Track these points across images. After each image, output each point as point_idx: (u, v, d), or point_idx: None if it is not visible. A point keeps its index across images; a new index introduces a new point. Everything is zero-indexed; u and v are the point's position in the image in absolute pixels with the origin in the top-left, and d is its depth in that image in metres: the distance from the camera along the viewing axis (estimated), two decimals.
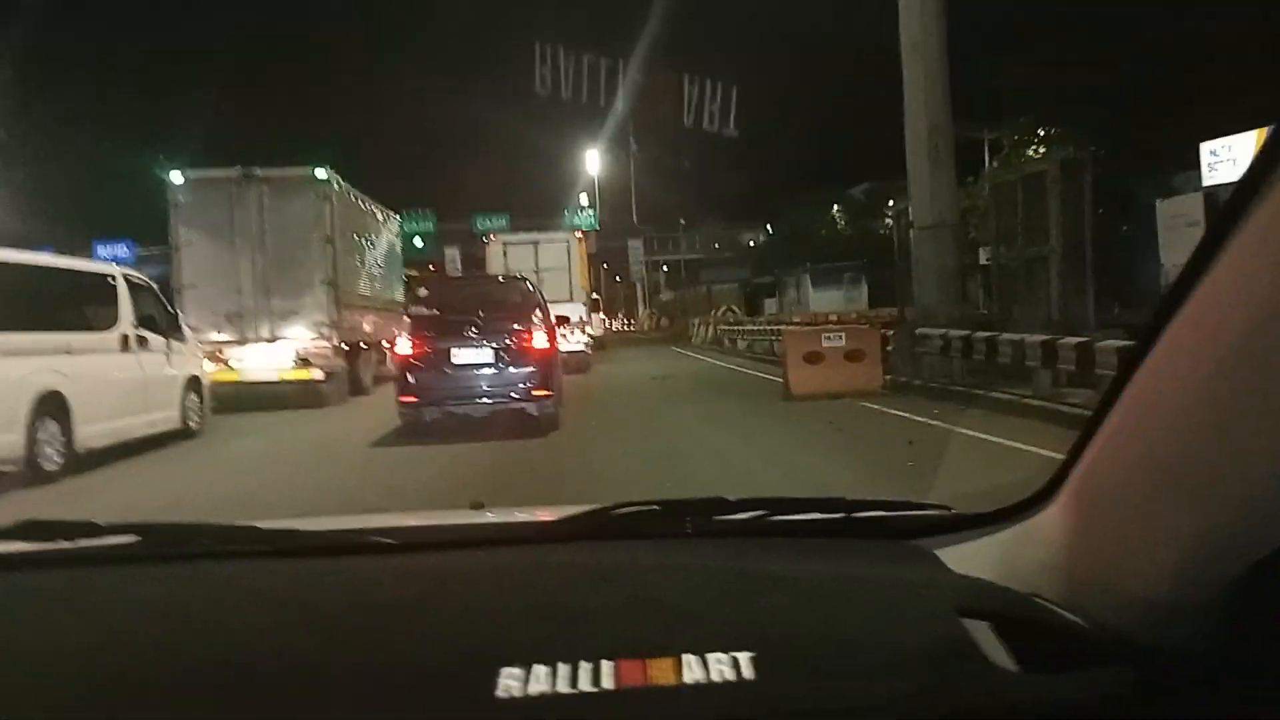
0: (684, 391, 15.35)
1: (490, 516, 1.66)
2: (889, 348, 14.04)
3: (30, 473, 7.85)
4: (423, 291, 11.78)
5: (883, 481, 6.77)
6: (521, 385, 9.65)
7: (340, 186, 15.21)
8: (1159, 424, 0.83)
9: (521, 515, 1.65)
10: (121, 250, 44.84)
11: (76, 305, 9.26)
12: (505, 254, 21.26)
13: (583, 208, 47.45)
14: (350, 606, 1.09)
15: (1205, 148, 21.70)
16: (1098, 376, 9.28)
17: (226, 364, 13.64)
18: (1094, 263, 11.41)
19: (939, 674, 0.91)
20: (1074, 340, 9.65)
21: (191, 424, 10.79)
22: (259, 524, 1.37)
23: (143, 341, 9.83)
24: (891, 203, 40.76)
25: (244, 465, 9.19)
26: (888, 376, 13.23)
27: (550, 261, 21.13)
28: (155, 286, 10.72)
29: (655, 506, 1.35)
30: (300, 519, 1.61)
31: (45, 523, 1.25)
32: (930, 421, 9.92)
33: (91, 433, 8.67)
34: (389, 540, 1.30)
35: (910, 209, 14.85)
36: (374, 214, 17.97)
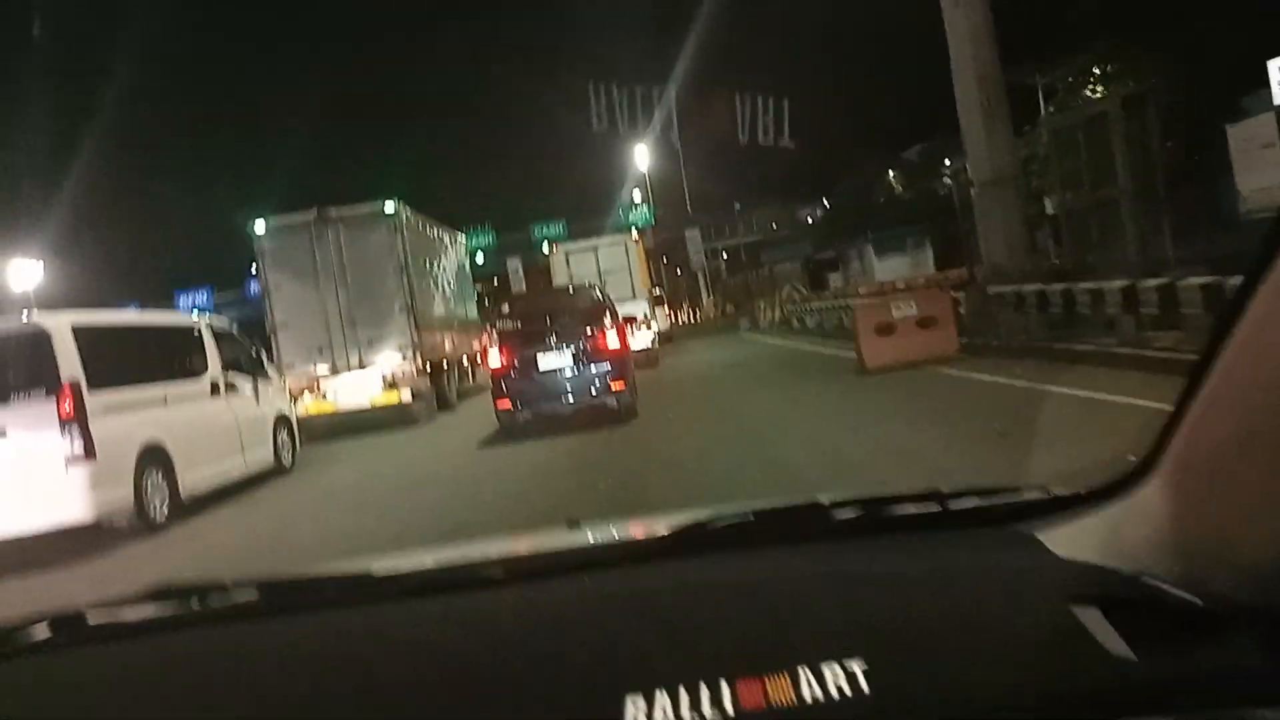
0: (757, 375, 15.32)
1: (588, 536, 1.68)
2: (961, 310, 13.79)
3: (142, 524, 8.12)
4: (505, 308, 13.01)
5: (972, 448, 6.66)
6: (600, 382, 10.81)
7: (408, 216, 16.04)
8: (1259, 384, 0.81)
9: (618, 532, 1.67)
10: (201, 298, 46.45)
11: (168, 357, 9.56)
12: (568, 261, 22.18)
13: (636, 204, 47.53)
14: (471, 645, 1.11)
15: (1273, 65, 20.77)
16: (1182, 316, 9.00)
17: (323, 395, 14.59)
18: (1167, 199, 11.06)
19: (1054, 665, 0.90)
20: (1155, 282, 9.36)
21: (284, 460, 11.20)
22: (372, 568, 1.41)
23: (231, 386, 10.24)
24: (948, 161, 39.95)
25: (341, 496, 9.53)
26: (963, 339, 12.98)
27: (611, 264, 22.14)
28: (236, 331, 11.16)
29: (750, 516, 1.36)
30: (407, 554, 1.66)
31: (174, 586, 1.29)
32: (1013, 381, 9.72)
33: (193, 479, 8.97)
34: (496, 573, 1.33)
35: (968, 166, 14.55)
36: (441, 237, 18.91)
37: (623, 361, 11.04)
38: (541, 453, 9.67)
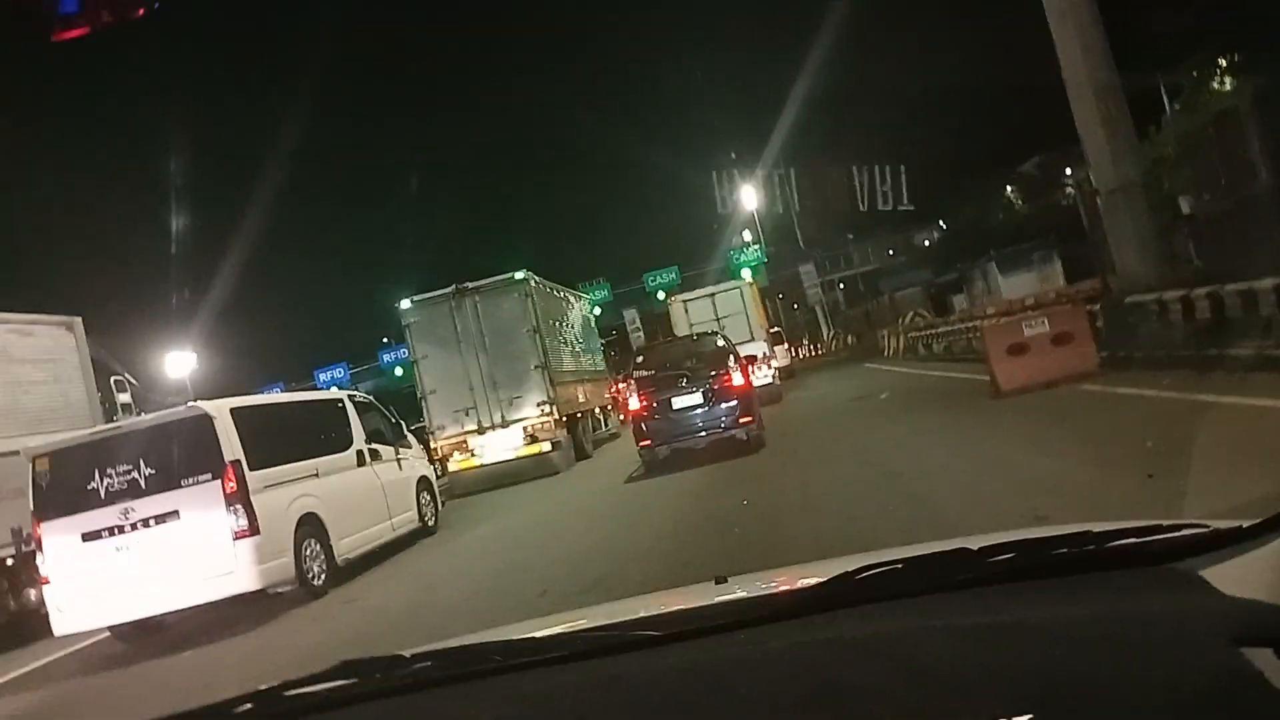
0: (885, 407, 15.01)
1: (736, 591, 1.69)
2: (1098, 324, 13.20)
3: (304, 591, 8.68)
4: (639, 359, 14.06)
5: (1123, 472, 6.34)
6: (729, 417, 12.01)
7: (536, 282, 17.43)
8: None
9: (765, 586, 1.67)
10: (339, 372, 48.83)
11: (316, 432, 10.15)
12: (686, 310, 23.16)
13: (747, 244, 47.51)
14: (645, 704, 1.13)
15: None
16: None
17: (470, 453, 16.11)
18: None
19: (1228, 711, 0.87)
20: None
21: (428, 521, 11.80)
22: (536, 633, 1.48)
23: (375, 454, 10.82)
24: (1069, 170, 38.44)
25: (483, 552, 9.96)
26: (1103, 354, 12.42)
27: (727, 309, 23.03)
28: (376, 402, 11.87)
29: (899, 565, 1.36)
30: (563, 615, 1.70)
31: (358, 661, 1.37)
32: (1162, 394, 9.21)
33: (348, 545, 9.54)
34: (653, 632, 1.34)
35: (1091, 175, 14.02)
36: (567, 298, 20.72)
37: (748, 397, 12.22)
38: (678, 494, 10.06)
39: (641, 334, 45.90)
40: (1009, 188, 50.04)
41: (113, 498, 8.20)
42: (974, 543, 1.37)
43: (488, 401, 16.28)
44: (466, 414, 16.26)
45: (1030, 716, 0.89)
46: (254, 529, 8.18)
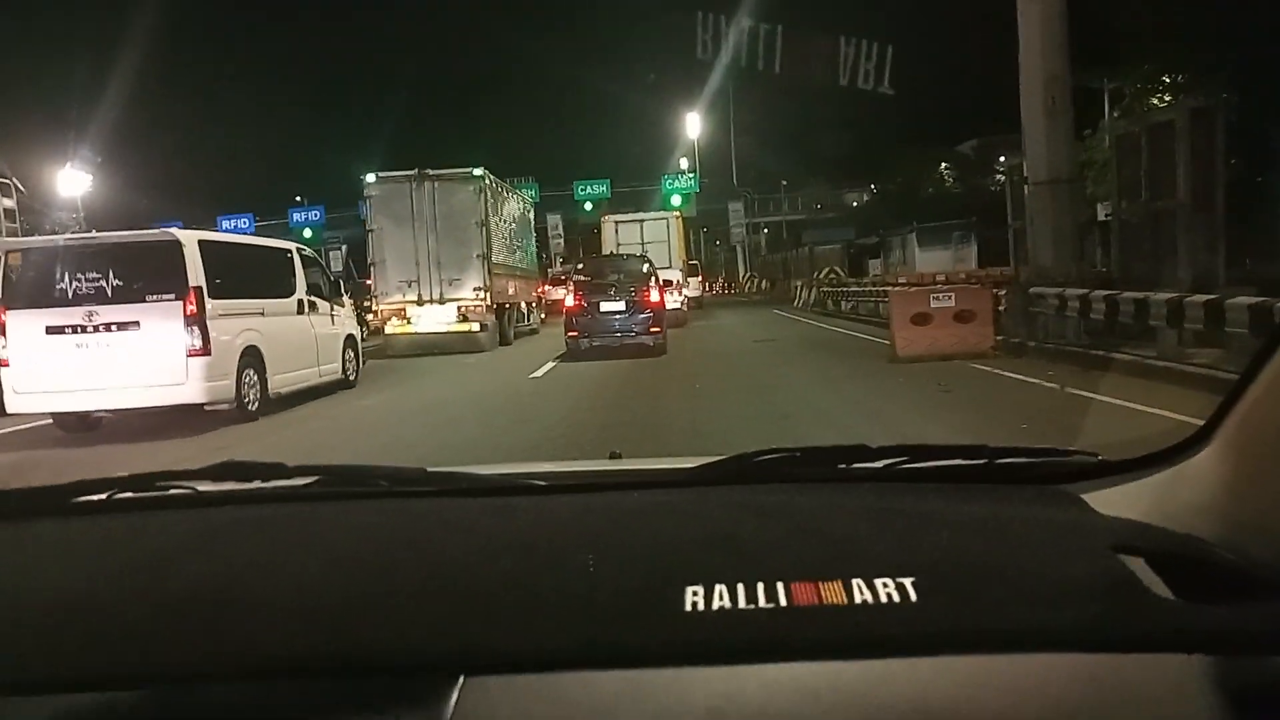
0: (785, 353, 15.28)
1: (630, 465, 1.70)
2: (1001, 308, 13.64)
3: (239, 412, 9.65)
4: (580, 267, 17.58)
5: (997, 443, 6.63)
6: (641, 325, 14.79)
7: (491, 180, 19.17)
8: None
9: (664, 463, 1.68)
10: (243, 223, 46.90)
11: (266, 276, 10.94)
12: (617, 230, 26.48)
13: (682, 172, 47.18)
14: (529, 535, 1.13)
15: None
16: (1228, 335, 8.86)
17: (408, 320, 17.95)
18: (1225, 216, 10.82)
19: (1102, 603, 0.91)
20: (1202, 298, 9.19)
21: (349, 376, 12.81)
22: (427, 469, 1.44)
23: (313, 306, 11.71)
24: (1003, 159, 39.24)
25: (397, 409, 10.96)
26: (999, 337, 12.87)
27: (653, 236, 26.08)
28: (320, 260, 12.63)
29: (797, 453, 1.37)
30: (462, 467, 1.71)
31: (241, 464, 1.33)
32: (1045, 383, 9.65)
33: (280, 381, 10.52)
34: (545, 483, 1.35)
35: (1025, 164, 14.30)
36: (515, 199, 22.48)
37: (660, 313, 15.10)
38: (584, 382, 11.62)
39: (562, 240, 45.38)
40: (944, 164, 50.88)
41: (79, 300, 8.99)
42: (874, 445, 1.38)
43: (430, 278, 17.93)
44: (409, 286, 17.90)
45: (915, 580, 0.94)
46: (206, 350, 9.13)
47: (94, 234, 10.55)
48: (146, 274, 9.12)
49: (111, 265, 9.08)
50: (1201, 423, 1.10)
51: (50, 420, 9.72)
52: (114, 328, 8.97)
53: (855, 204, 56.84)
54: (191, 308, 9.05)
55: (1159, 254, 11.42)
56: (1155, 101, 22.77)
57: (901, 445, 1.38)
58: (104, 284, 9.03)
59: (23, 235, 12.14)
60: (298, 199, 51.59)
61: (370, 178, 18.52)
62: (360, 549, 1.13)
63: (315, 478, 1.35)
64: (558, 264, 37.87)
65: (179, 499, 1.33)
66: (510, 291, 20.31)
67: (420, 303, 17.98)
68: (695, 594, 0.93)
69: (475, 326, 17.95)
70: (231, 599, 1.02)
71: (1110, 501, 1.17)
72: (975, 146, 48.76)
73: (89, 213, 30.98)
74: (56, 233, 14.07)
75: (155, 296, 9.04)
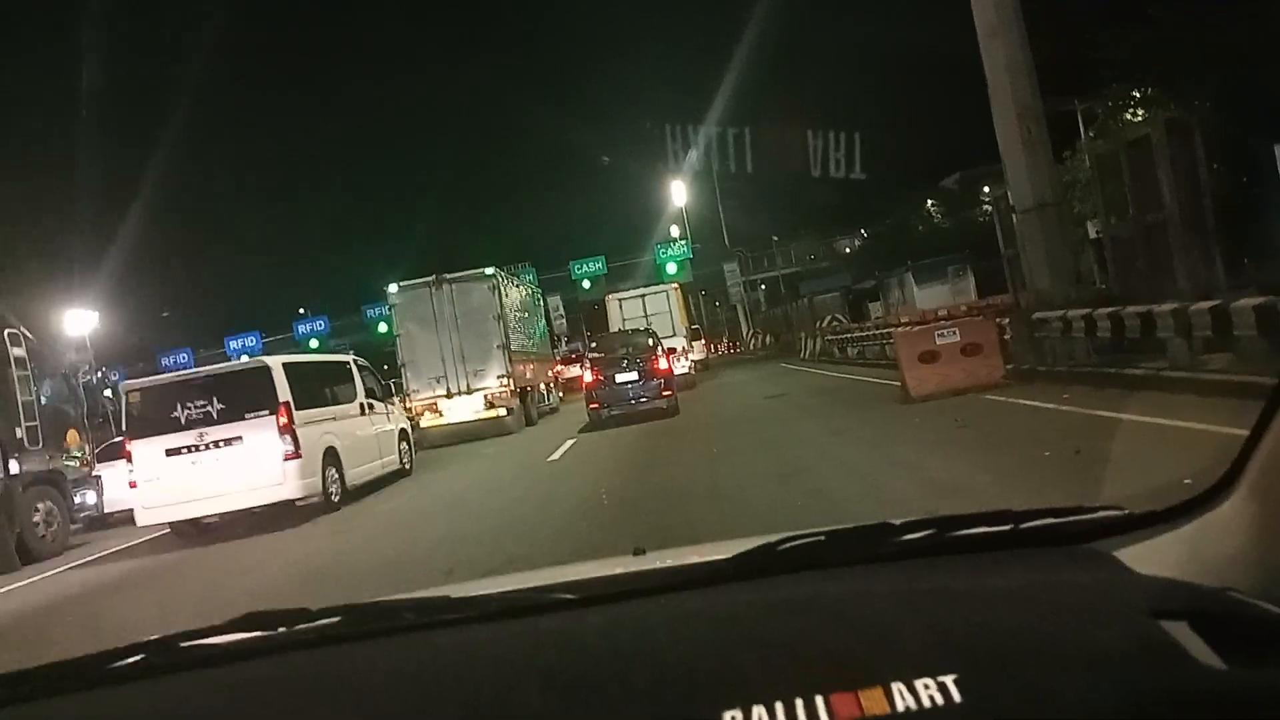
0: (798, 406, 15.25)
1: (656, 562, 1.69)
2: (1007, 337, 13.65)
3: (325, 503, 11.31)
4: (593, 345, 19.05)
5: (1022, 476, 6.59)
6: (654, 391, 16.23)
7: (503, 276, 21.19)
8: None
9: (687, 557, 1.66)
10: (250, 341, 47.50)
11: (333, 386, 12.64)
12: (621, 307, 27.99)
13: (674, 239, 47.71)
14: (560, 662, 1.11)
15: None
16: (1236, 339, 8.84)
17: (439, 413, 19.52)
18: (1216, 221, 10.88)
19: (1145, 675, 0.89)
20: (1207, 304, 9.18)
21: (405, 465, 14.54)
22: (449, 592, 1.46)
23: (371, 408, 13.47)
24: (987, 189, 39.61)
25: (447, 491, 12.13)
26: (1009, 366, 12.86)
27: (655, 308, 27.66)
28: (370, 367, 14.21)
29: (821, 537, 1.36)
30: (486, 580, 1.68)
31: (264, 613, 1.34)
32: (1061, 407, 9.61)
33: (353, 475, 12.14)
34: (572, 595, 1.34)
35: (1009, 194, 14.47)
36: (525, 290, 24.38)
37: (669, 378, 16.55)
38: (603, 459, 12.17)
39: (564, 319, 45.73)
40: (930, 201, 51.38)
41: (190, 424, 10.67)
42: (897, 521, 1.39)
43: (456, 372, 19.49)
44: (438, 381, 19.48)
45: (956, 675, 0.90)
46: (298, 453, 10.79)
47: (197, 369, 12.44)
48: (243, 396, 10.75)
49: (214, 392, 10.76)
50: (1226, 468, 1.10)
51: (168, 529, 11.38)
52: (221, 444, 10.63)
53: (848, 250, 57.26)
54: (284, 420, 10.72)
55: (1155, 267, 11.46)
56: (1129, 117, 23.09)
57: (925, 518, 1.37)
58: (209, 408, 10.69)
59: (34, 380, 12.40)
60: (301, 311, 52.24)
61: (393, 288, 20.30)
62: (389, 694, 1.11)
63: (338, 618, 1.34)
64: (562, 344, 38.17)
65: (207, 658, 1.31)
66: (529, 375, 21.74)
67: (450, 395, 19.48)
68: (734, 719, 0.90)
69: (502, 411, 19.39)
70: None
71: (1141, 557, 1.16)
72: (959, 179, 49.26)
73: (97, 349, 31.36)
74: (67, 375, 14.41)
75: (253, 414, 10.69)
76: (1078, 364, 11.85)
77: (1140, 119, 21.31)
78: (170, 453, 10.63)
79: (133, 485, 10.79)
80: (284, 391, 10.84)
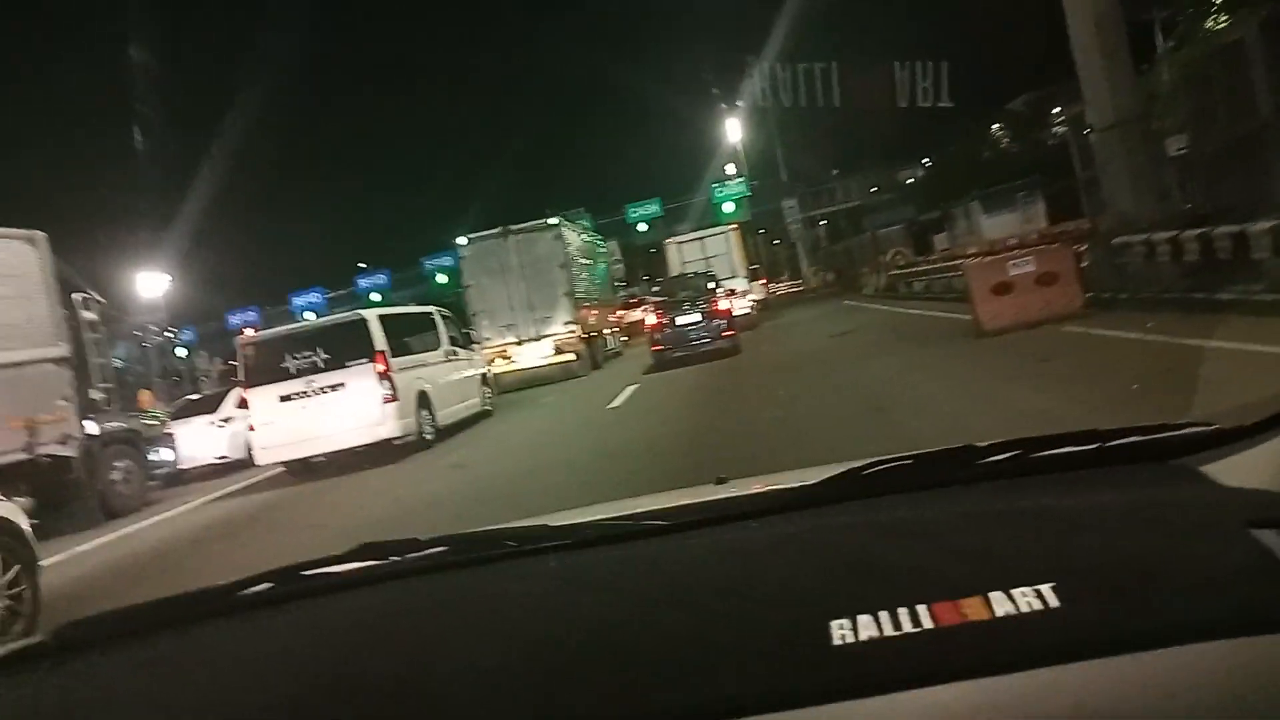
0: (866, 344, 14.85)
1: (740, 490, 1.67)
2: (1084, 264, 13.03)
3: (419, 441, 12.23)
4: (655, 289, 20.53)
5: (1110, 409, 6.23)
6: (715, 332, 16.74)
7: (567, 226, 21.75)
8: None
9: (771, 484, 1.65)
10: (314, 297, 48.45)
11: (420, 334, 13.53)
12: (680, 250, 28.12)
13: (731, 178, 46.88)
14: (663, 584, 1.14)
15: None
16: None
17: (511, 360, 20.27)
18: None
19: (1246, 583, 0.88)
20: None
21: (486, 406, 15.41)
22: (547, 520, 1.50)
23: (454, 354, 14.39)
24: (1059, 109, 37.95)
25: (528, 428, 13.39)
26: (1088, 295, 12.29)
27: (714, 250, 27.73)
28: (452, 316, 15.13)
29: (907, 460, 1.36)
30: (580, 509, 1.76)
31: (378, 544, 1.40)
32: (1145, 337, 9.11)
33: (442, 416, 13.07)
34: (666, 522, 1.36)
35: (1086, 112, 13.71)
36: (588, 240, 24.98)
37: (730, 318, 17.17)
38: (675, 400, 12.41)
39: (622, 265, 45.51)
40: (996, 125, 49.54)
41: (300, 373, 11.74)
42: (982, 444, 1.35)
43: (526, 319, 20.29)
44: (508, 329, 20.30)
45: (1053, 584, 0.91)
46: (395, 397, 11.73)
47: (304, 323, 13.71)
48: (345, 346, 11.77)
49: (319, 343, 11.87)
50: None
51: (283, 468, 12.59)
52: (327, 390, 11.68)
53: (911, 180, 55.72)
54: (381, 366, 11.71)
55: (1249, 181, 10.74)
56: (1210, 24, 21.72)
57: (1009, 440, 1.34)
58: (315, 358, 11.75)
59: (107, 343, 12.81)
60: (361, 266, 53.01)
61: (462, 240, 21.21)
62: (498, 617, 1.16)
63: (446, 547, 1.39)
64: (622, 289, 38.01)
65: (328, 586, 1.37)
66: (593, 320, 22.47)
67: (520, 342, 20.32)
68: (841, 628, 0.92)
69: (570, 356, 20.10)
70: (417, 683, 1.03)
71: (1231, 472, 1.14)
72: (1026, 102, 47.31)
73: (169, 309, 32.21)
74: (139, 336, 14.99)
75: (353, 362, 11.69)
76: (1164, 290, 11.24)
77: (1223, 26, 20.01)
78: (283, 399, 11.72)
79: (251, 429, 12.14)
80: (380, 341, 11.80)
